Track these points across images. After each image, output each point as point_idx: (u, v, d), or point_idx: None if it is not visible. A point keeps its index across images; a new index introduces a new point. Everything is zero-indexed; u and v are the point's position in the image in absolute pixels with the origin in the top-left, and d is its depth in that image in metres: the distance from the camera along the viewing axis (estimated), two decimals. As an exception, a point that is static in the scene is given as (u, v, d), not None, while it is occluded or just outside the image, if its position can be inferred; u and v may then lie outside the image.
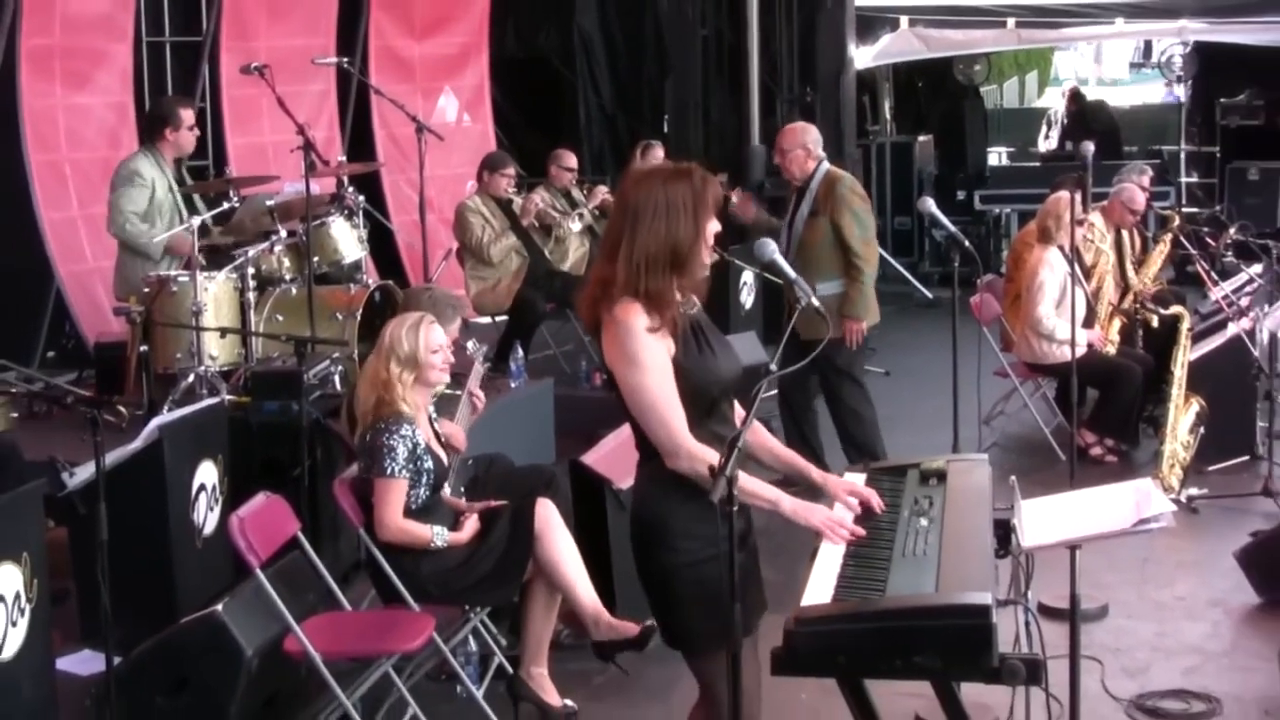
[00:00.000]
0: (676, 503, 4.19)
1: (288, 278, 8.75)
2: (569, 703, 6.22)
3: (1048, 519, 4.40)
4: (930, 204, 7.91)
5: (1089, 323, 9.60)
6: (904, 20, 16.36)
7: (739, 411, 4.42)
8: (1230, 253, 11.02)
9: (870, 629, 3.79)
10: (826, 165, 8.67)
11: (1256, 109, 18.55)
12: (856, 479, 4.73)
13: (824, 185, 8.58)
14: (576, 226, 11.26)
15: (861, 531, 4.27)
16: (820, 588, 3.97)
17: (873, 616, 3.82)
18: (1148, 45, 22.07)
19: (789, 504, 4.26)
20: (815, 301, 4.25)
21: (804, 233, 8.55)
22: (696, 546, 4.16)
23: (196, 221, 8.34)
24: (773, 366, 4.25)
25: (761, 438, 4.60)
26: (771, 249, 4.32)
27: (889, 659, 3.78)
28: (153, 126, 9.09)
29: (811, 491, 4.54)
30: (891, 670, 3.85)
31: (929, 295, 13.55)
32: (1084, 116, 19.62)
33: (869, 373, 9.17)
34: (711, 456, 3.95)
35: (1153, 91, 24.88)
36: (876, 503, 4.44)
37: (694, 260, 4.17)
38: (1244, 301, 9.79)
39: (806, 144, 8.63)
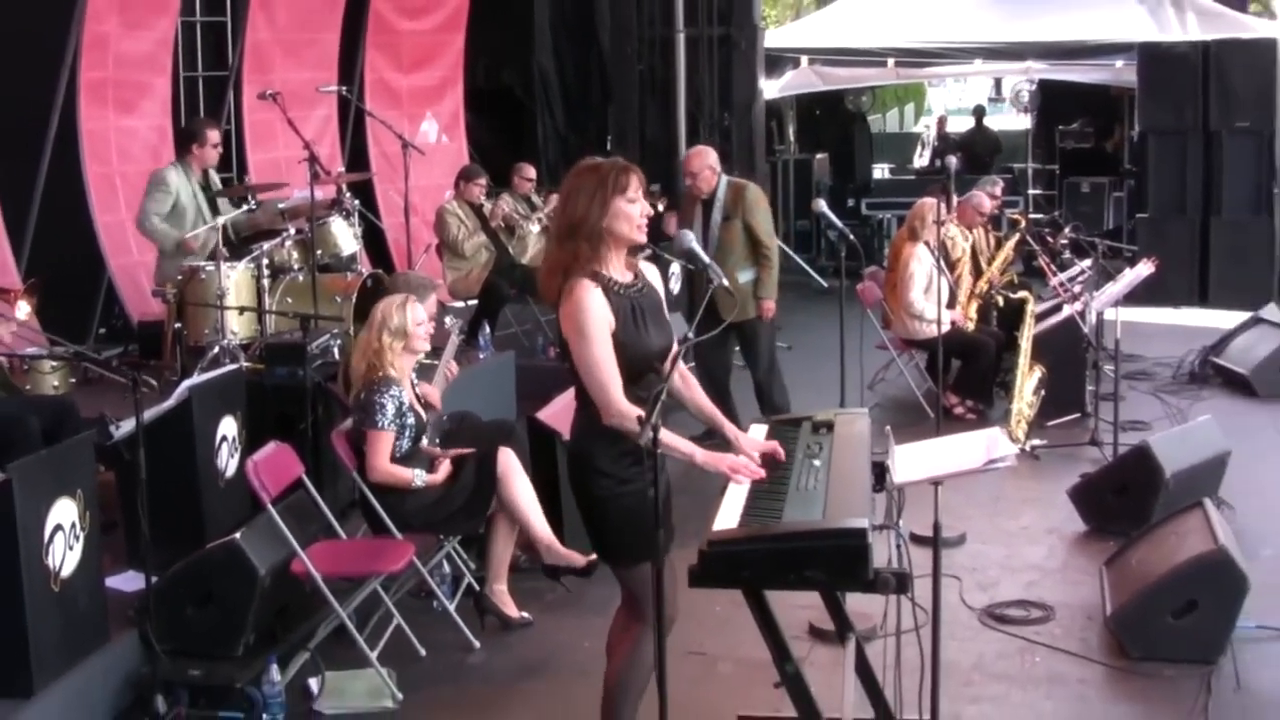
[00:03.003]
0: (602, 447, 4.19)
1: (296, 267, 8.66)
2: (525, 615, 6.25)
3: (915, 460, 4.39)
4: (822, 204, 7.88)
5: (952, 305, 9.65)
6: (804, 59, 16.36)
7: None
8: (1066, 250, 11.13)
9: (769, 549, 3.79)
10: (725, 178, 8.65)
11: (1087, 134, 18.72)
12: (760, 432, 4.72)
13: (730, 194, 8.53)
14: (535, 227, 11.22)
15: (763, 473, 4.25)
16: (728, 516, 3.96)
17: (771, 538, 3.82)
18: (998, 82, 22.12)
19: (701, 455, 4.23)
20: (724, 282, 4.25)
21: (721, 235, 8.50)
22: (616, 482, 4.18)
23: (220, 220, 8.27)
24: (690, 334, 4.23)
25: (693, 393, 4.59)
26: (690, 239, 4.31)
27: (785, 573, 3.78)
28: (184, 142, 8.99)
29: (725, 445, 4.51)
30: (787, 582, 3.83)
31: (824, 284, 13.56)
32: (978, 137, 19.74)
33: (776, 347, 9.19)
34: (636, 414, 3.91)
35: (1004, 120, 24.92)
36: (781, 454, 4.41)
37: (614, 226, 4.19)
38: (1077, 288, 9.85)
39: (711, 164, 8.58)
